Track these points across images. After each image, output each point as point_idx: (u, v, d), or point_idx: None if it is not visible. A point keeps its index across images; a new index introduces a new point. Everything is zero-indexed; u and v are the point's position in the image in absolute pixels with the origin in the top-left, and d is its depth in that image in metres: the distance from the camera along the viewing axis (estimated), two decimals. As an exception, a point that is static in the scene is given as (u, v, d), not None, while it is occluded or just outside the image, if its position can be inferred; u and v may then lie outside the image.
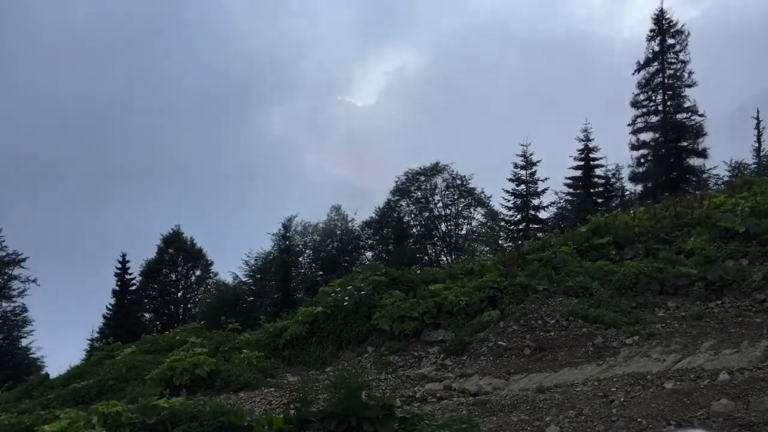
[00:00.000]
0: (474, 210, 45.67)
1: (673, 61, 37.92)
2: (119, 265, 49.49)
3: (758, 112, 37.50)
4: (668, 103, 37.65)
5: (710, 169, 37.08)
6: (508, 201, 40.86)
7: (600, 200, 38.68)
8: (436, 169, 45.54)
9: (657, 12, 38.25)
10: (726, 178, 31.36)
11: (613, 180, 40.35)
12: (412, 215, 45.70)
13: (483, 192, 45.15)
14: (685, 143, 37.39)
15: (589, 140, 39.93)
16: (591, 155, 40.01)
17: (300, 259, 46.79)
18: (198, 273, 52.50)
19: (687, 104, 37.50)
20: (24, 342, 47.66)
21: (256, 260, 47.82)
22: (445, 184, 45.39)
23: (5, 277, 46.82)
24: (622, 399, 9.11)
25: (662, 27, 37.88)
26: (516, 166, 40.51)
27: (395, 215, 45.26)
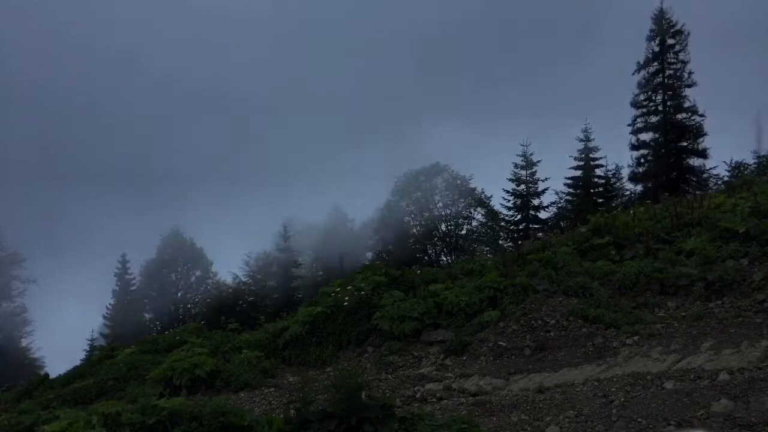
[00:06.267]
0: (474, 210, 45.62)
1: (673, 61, 37.91)
2: (119, 265, 49.57)
3: (758, 112, 37.47)
4: (668, 103, 37.64)
5: (710, 169, 37.05)
6: (508, 201, 40.85)
7: (600, 200, 38.62)
8: (436, 170, 45.52)
9: (657, 12, 38.24)
10: (726, 178, 31.31)
11: (613, 180, 40.29)
12: (412, 215, 45.65)
13: (483, 192, 45.14)
14: (685, 143, 37.38)
15: (589, 140, 39.91)
16: (591, 155, 40.00)
17: (300, 259, 46.74)
18: (198, 273, 52.46)
19: (687, 104, 37.49)
20: (24, 342, 47.74)
21: (256, 260, 47.82)
22: (445, 184, 45.37)
23: (5, 277, 46.86)
24: (622, 399, 9.11)
25: (662, 27, 37.86)
26: (516, 166, 40.50)
27: (395, 215, 45.25)
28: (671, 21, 37.88)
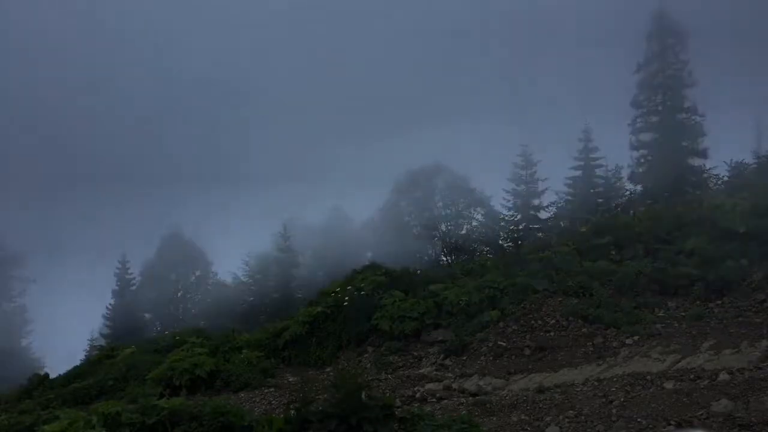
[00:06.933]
0: (474, 210, 45.58)
1: (673, 61, 37.88)
2: (119, 265, 49.54)
3: (758, 112, 37.42)
4: (668, 103, 37.62)
5: (710, 169, 36.98)
6: (508, 201, 40.80)
7: (600, 200, 38.57)
8: (436, 170, 45.48)
9: (657, 12, 38.23)
10: (726, 178, 31.27)
11: (613, 180, 40.26)
12: (412, 215, 45.63)
13: (483, 192, 45.06)
14: (685, 143, 37.34)
15: (589, 140, 39.86)
16: (591, 155, 39.96)
17: (300, 259, 46.73)
18: (198, 273, 52.41)
19: (687, 104, 37.45)
20: (24, 342, 47.73)
21: (256, 261, 47.75)
22: (444, 184, 45.32)
23: (5, 277, 46.89)
24: (622, 399, 9.12)
25: (662, 27, 37.86)
26: (516, 165, 40.45)
27: (395, 215, 45.23)
28: (671, 21, 37.86)
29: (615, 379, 10.35)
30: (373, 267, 18.57)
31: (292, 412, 8.07)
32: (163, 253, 51.56)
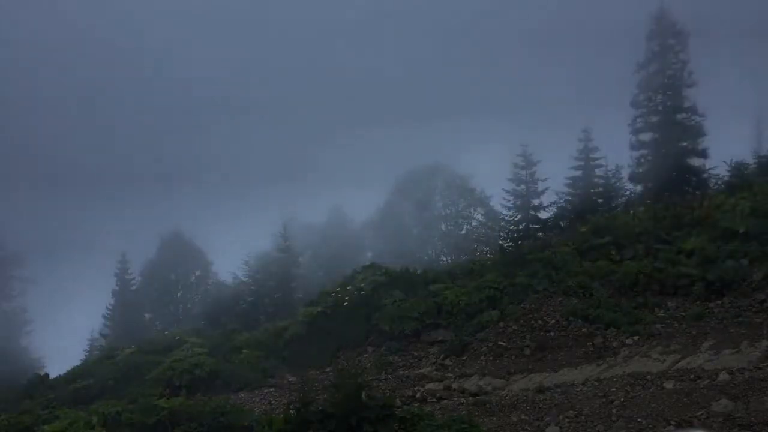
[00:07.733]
0: (474, 210, 45.59)
1: (673, 61, 37.87)
2: (119, 265, 49.46)
3: (758, 112, 37.38)
4: (668, 103, 37.60)
5: (710, 169, 36.97)
6: (508, 201, 40.78)
7: (600, 200, 38.57)
8: (435, 169, 45.50)
9: (657, 12, 38.22)
10: (726, 178, 31.28)
11: (613, 180, 40.28)
12: (412, 215, 45.65)
13: (483, 192, 45.06)
14: (685, 143, 37.33)
15: (589, 140, 39.84)
16: (591, 155, 39.94)
17: (300, 259, 46.74)
18: (198, 273, 52.37)
19: (687, 104, 37.44)
20: (24, 342, 47.68)
21: (256, 260, 47.70)
22: (444, 184, 45.33)
23: (5, 277, 46.85)
24: (622, 399, 9.12)
25: (662, 27, 37.86)
26: (516, 165, 40.40)
27: (395, 215, 45.26)
28: (671, 21, 37.85)
29: (615, 379, 10.36)
30: (373, 267, 18.58)
31: (292, 412, 8.07)
32: (163, 253, 51.50)
